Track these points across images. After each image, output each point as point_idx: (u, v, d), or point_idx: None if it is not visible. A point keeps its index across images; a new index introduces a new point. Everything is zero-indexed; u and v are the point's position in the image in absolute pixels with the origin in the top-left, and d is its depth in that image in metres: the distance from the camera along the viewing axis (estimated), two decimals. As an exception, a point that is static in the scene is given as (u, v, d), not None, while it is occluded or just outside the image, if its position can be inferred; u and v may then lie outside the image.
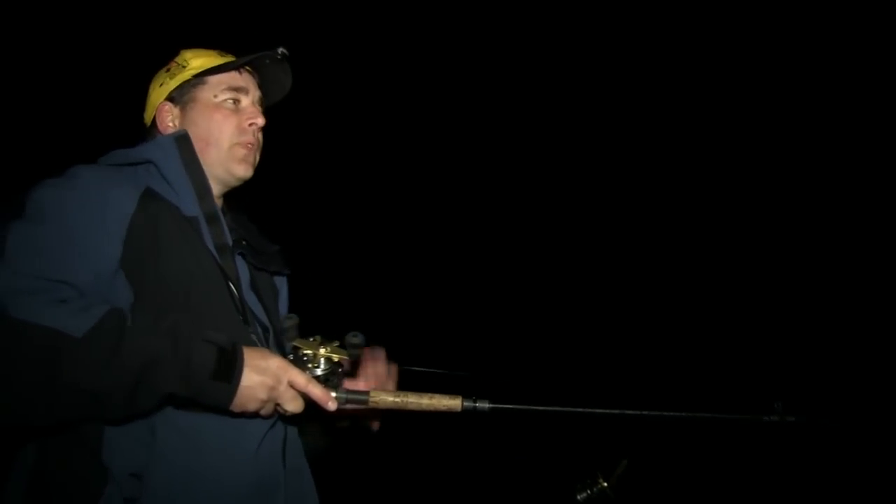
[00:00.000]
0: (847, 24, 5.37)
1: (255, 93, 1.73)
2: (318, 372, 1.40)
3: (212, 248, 1.53)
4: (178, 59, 1.72)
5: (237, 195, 1.79)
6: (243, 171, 1.67)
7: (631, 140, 6.41)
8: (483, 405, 1.46)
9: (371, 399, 1.42)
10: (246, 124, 1.67)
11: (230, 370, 1.30)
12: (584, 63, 6.14)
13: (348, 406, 1.45)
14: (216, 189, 1.66)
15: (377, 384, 1.63)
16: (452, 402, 1.44)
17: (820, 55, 5.60)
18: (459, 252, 6.35)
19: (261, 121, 1.69)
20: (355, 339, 1.38)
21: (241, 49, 1.77)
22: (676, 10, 5.66)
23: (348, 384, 1.57)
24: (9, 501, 1.36)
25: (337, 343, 1.43)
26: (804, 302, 5.79)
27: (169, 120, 1.67)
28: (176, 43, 1.80)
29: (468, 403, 1.45)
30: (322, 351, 1.40)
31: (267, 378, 1.33)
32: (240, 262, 1.63)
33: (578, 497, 1.71)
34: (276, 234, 1.83)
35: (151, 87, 1.73)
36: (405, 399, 1.43)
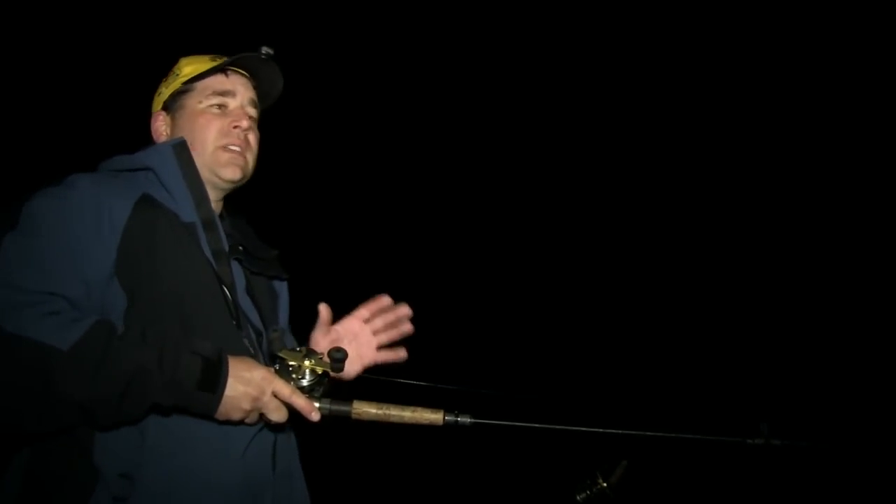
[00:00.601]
0: (847, 25, 5.26)
1: (245, 94, 1.73)
2: (304, 383, 1.42)
3: (208, 253, 1.55)
4: (175, 68, 1.75)
5: (236, 199, 1.81)
6: (230, 174, 1.67)
7: (623, 158, 6.37)
8: (465, 420, 1.48)
9: (353, 411, 1.44)
10: (230, 127, 1.67)
11: (215, 381, 1.33)
12: (584, 63, 6.08)
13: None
14: (213, 194, 1.68)
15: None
16: (434, 416, 1.47)
17: (820, 55, 5.48)
18: (446, 265, 6.36)
19: (245, 123, 1.68)
20: (338, 354, 1.41)
21: (240, 52, 1.75)
22: (676, 10, 5.58)
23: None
24: (5, 498, 1.40)
25: (321, 356, 1.45)
26: (794, 322, 5.70)
27: (162, 129, 1.72)
28: (184, 50, 1.82)
29: (450, 418, 1.47)
30: (307, 363, 1.42)
31: (251, 389, 1.36)
32: (236, 267, 1.65)
33: (578, 497, 1.71)
34: (271, 241, 1.84)
35: (154, 97, 1.77)
36: (387, 412, 1.45)
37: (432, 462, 4.69)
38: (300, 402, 1.40)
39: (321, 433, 1.56)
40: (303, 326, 1.76)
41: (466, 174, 6.48)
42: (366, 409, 1.44)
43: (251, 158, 1.72)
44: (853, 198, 5.69)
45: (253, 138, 1.73)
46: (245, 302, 1.64)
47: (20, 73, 4.69)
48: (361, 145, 6.24)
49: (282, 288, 1.84)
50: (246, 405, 1.36)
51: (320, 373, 1.43)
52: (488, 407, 1.55)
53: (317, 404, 1.42)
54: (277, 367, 1.44)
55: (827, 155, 5.74)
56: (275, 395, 1.39)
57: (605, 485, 1.69)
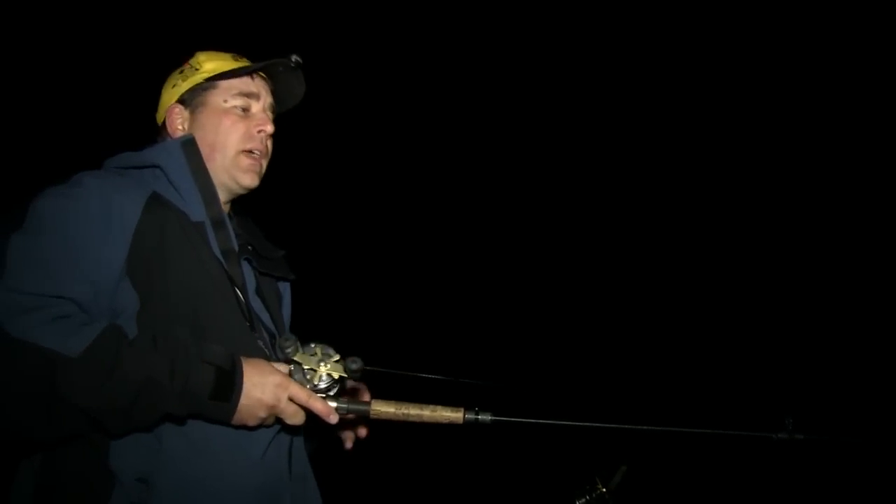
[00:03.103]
0: (847, 25, 5.16)
1: (266, 99, 1.69)
2: (322, 386, 1.40)
3: (218, 253, 1.52)
4: (192, 62, 1.69)
5: (243, 199, 1.77)
6: (249, 181, 1.65)
7: (627, 152, 6.28)
8: (485, 418, 1.45)
9: (372, 410, 1.42)
10: (254, 131, 1.64)
11: (229, 390, 1.30)
12: (584, 63, 6.02)
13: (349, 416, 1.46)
14: (222, 195, 1.64)
15: None
16: (454, 415, 1.44)
17: (820, 55, 5.40)
18: (464, 259, 6.33)
19: (270, 128, 1.66)
20: (354, 364, 1.38)
21: (255, 53, 1.73)
22: (676, 11, 5.48)
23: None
24: (17, 503, 1.38)
25: (336, 358, 1.42)
26: (821, 312, 5.64)
27: (178, 123, 1.65)
28: (188, 44, 1.77)
29: (470, 416, 1.45)
30: (323, 368, 1.40)
31: (266, 396, 1.34)
32: (246, 267, 1.62)
33: (577, 503, 1.71)
34: (280, 239, 1.81)
35: (164, 87, 1.70)
36: (406, 411, 1.43)
37: (427, 461, 4.68)
38: (318, 405, 1.38)
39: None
40: (303, 327, 1.73)
41: (484, 172, 6.44)
42: (384, 409, 1.42)
43: (265, 165, 1.69)
44: (884, 191, 5.59)
45: (270, 145, 1.70)
46: (256, 303, 1.62)
47: (23, 70, 4.61)
48: (373, 140, 6.19)
49: (285, 289, 1.82)
50: (262, 413, 1.35)
51: (337, 378, 1.41)
52: (496, 403, 1.52)
53: (333, 404, 1.40)
54: (293, 369, 1.41)
55: (852, 145, 5.65)
56: (291, 400, 1.37)
57: (604, 490, 1.70)
